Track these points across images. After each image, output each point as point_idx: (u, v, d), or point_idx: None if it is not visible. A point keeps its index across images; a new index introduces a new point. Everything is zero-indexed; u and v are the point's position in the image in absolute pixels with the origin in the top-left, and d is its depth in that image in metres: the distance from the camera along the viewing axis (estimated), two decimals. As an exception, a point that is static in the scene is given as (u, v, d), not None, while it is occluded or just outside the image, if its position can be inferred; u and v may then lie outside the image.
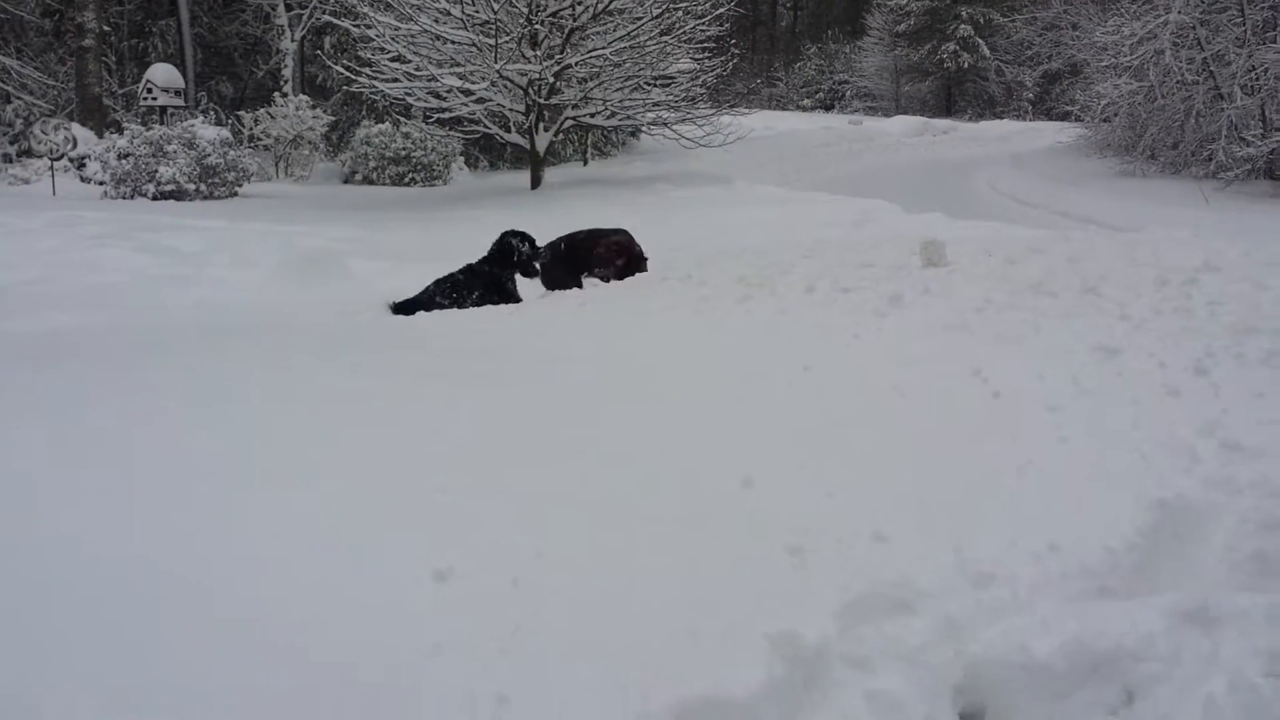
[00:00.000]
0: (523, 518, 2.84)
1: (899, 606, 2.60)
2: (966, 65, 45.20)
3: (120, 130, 17.24)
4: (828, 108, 49.21)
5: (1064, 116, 30.67)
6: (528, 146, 17.76)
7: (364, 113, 21.84)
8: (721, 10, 17.18)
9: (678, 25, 16.68)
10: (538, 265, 7.44)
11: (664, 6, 15.93)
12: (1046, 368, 4.07)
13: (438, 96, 17.05)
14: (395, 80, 16.54)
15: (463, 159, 21.54)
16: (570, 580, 2.54)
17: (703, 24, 17.14)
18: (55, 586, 2.38)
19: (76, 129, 17.80)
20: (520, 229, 7.55)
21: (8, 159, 18.89)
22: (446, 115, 17.70)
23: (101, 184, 15.95)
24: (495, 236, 7.50)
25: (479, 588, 2.47)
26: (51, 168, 16.53)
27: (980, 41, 44.85)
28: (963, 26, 44.87)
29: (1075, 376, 3.93)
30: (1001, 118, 41.43)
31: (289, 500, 2.88)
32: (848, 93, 49.78)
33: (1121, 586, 2.73)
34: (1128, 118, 21.47)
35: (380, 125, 20.01)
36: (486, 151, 23.27)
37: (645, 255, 7.46)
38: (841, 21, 57.38)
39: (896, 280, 5.38)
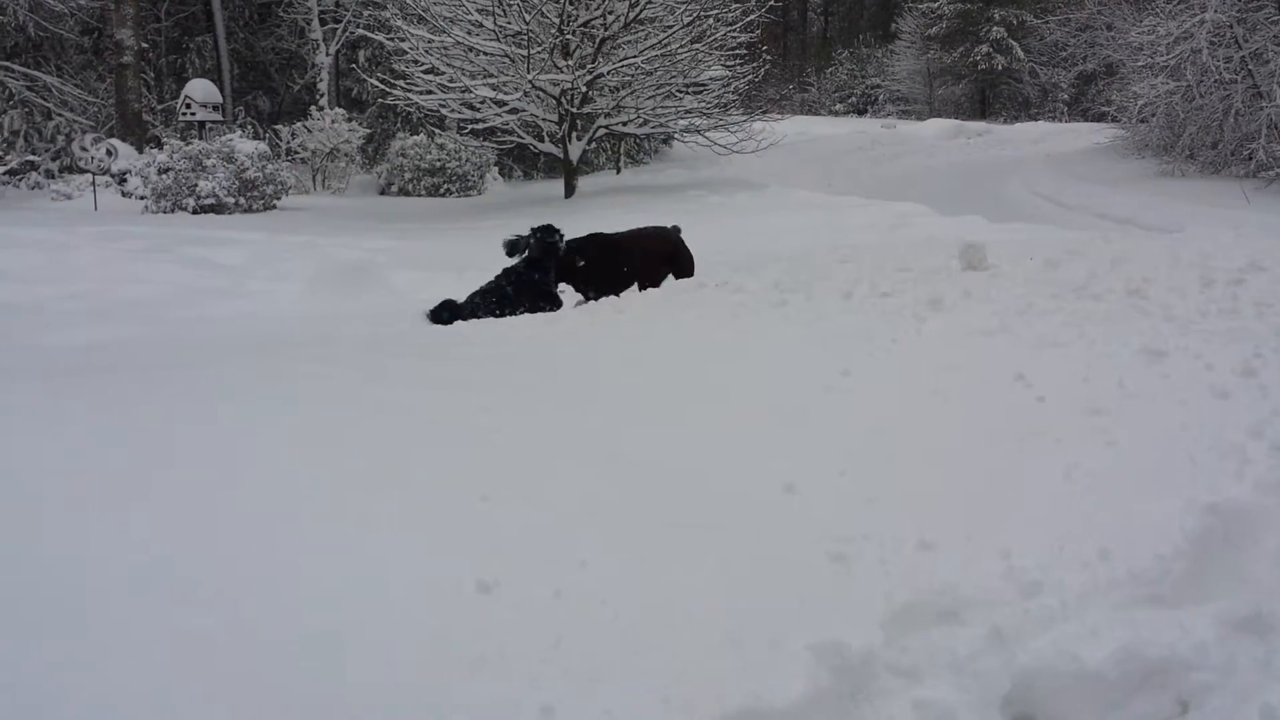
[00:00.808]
0: (564, 527, 2.84)
1: (946, 615, 2.57)
2: (1000, 67, 44.83)
3: (160, 145, 17.48)
4: (860, 112, 49.00)
5: (1100, 118, 30.34)
6: (561, 156, 17.82)
7: (399, 125, 22.01)
8: (752, 17, 17.17)
9: (709, 33, 16.68)
10: (581, 264, 7.20)
11: (695, 14, 15.94)
12: (1091, 371, 4.01)
13: (471, 108, 17.16)
14: (429, 92, 16.66)
15: (497, 169, 21.65)
16: (612, 590, 2.53)
17: (733, 31, 17.13)
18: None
19: (117, 144, 18.06)
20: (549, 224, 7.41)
21: (50, 175, 19.20)
22: (480, 126, 17.80)
23: (142, 199, 16.16)
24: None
25: (522, 598, 2.46)
26: (93, 183, 16.78)
27: (1014, 43, 44.47)
28: (995, 29, 44.51)
29: (1121, 380, 3.86)
30: (1037, 119, 41.03)
31: (328, 510, 2.88)
32: (880, 97, 49.55)
33: (1172, 594, 2.68)
34: (1165, 118, 21.19)
35: (415, 137, 20.16)
36: (520, 161, 23.38)
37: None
38: (873, 26, 57.17)
39: (936, 284, 5.33)
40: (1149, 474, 3.19)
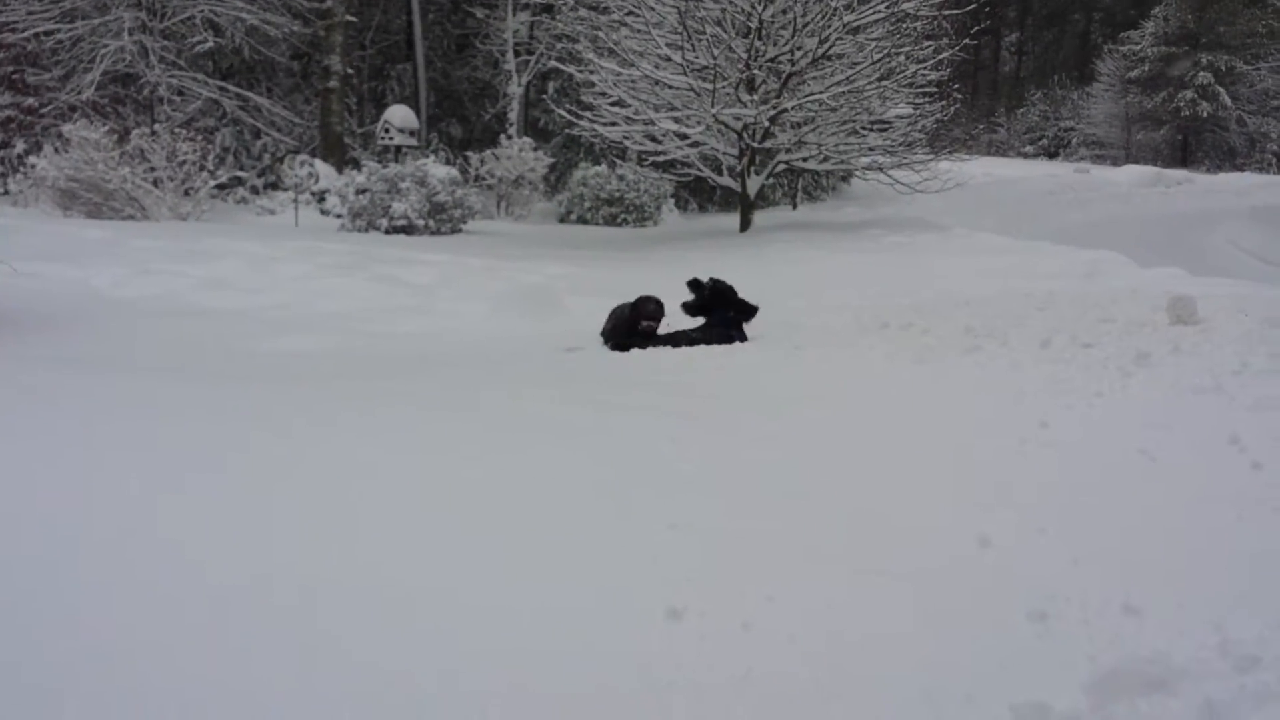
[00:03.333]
0: (751, 559, 2.81)
1: (1154, 684, 2.41)
2: (1205, 114, 42.69)
3: (358, 167, 18.35)
4: (1051, 155, 47.45)
5: (1315, 169, 28.52)
6: (738, 189, 17.85)
7: (581, 155, 22.54)
8: (944, 56, 16.83)
9: (898, 70, 16.43)
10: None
11: (885, 51, 15.74)
12: (1315, 439, 3.73)
13: (654, 140, 17.40)
14: (614, 124, 16.98)
15: (672, 200, 21.87)
16: (800, 629, 2.48)
17: (924, 68, 16.83)
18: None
19: (319, 165, 19.08)
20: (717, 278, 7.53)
21: (255, 190, 20.45)
22: (661, 158, 18.04)
23: (339, 217, 16.98)
24: (702, 277, 7.55)
25: (710, 628, 2.45)
26: (295, 200, 17.75)
27: (1221, 90, 42.34)
28: (1202, 74, 42.49)
29: (1350, 450, 3.59)
30: (1242, 170, 38.85)
31: (517, 532, 2.94)
32: (1073, 140, 47.87)
33: (1405, 682, 2.45)
34: (1391, 171, 19.74)
35: (596, 167, 20.59)
36: (696, 194, 23.56)
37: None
38: (1069, 67, 55.46)
39: (1141, 337, 5.08)
40: (1385, 554, 2.94)
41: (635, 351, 6.85)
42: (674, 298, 7.48)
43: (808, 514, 3.19)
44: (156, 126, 17.76)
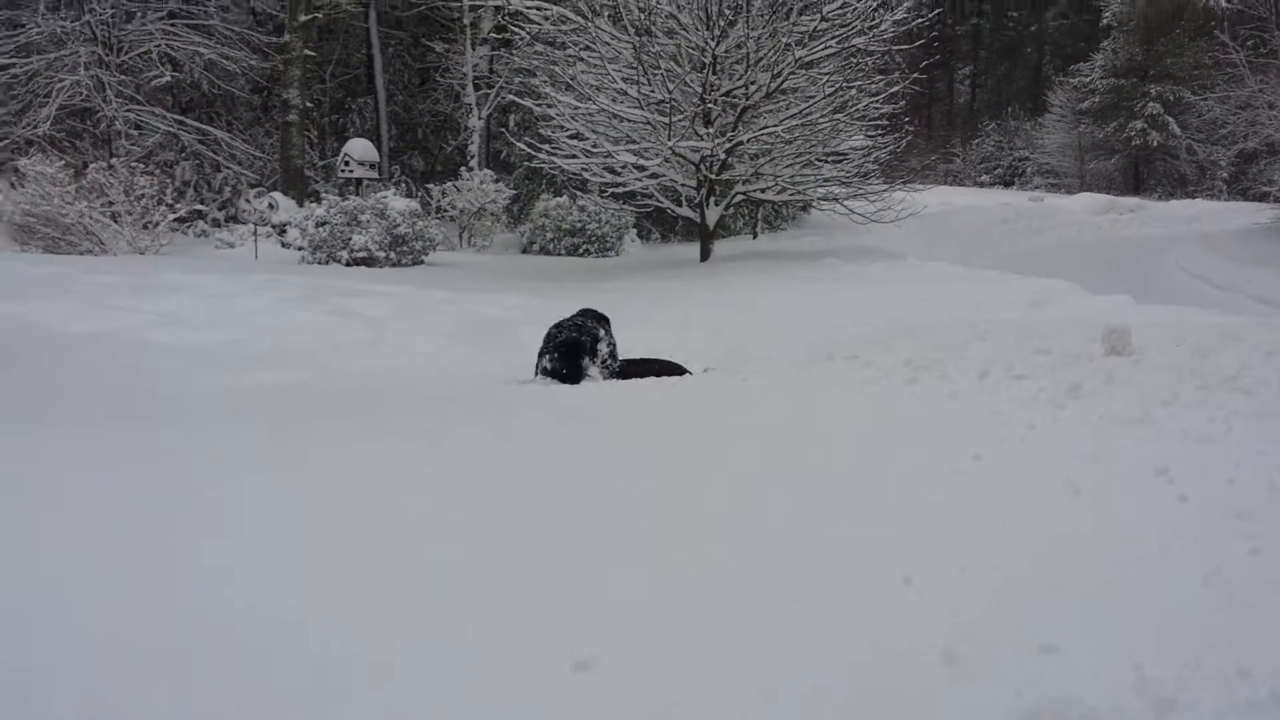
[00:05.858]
0: (669, 600, 2.82)
1: (1069, 725, 2.45)
2: (1155, 143, 43.52)
3: (319, 200, 18.31)
4: (1007, 184, 48.19)
5: (1261, 198, 29.15)
6: (698, 220, 17.99)
7: (543, 186, 22.62)
8: (896, 89, 17.08)
9: (851, 103, 16.66)
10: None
11: (837, 85, 15.96)
12: (1238, 471, 3.81)
13: (613, 172, 17.51)
14: (573, 156, 17.08)
15: (635, 231, 21.99)
16: (718, 669, 2.50)
17: (876, 101, 17.08)
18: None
19: (279, 198, 19.03)
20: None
21: (215, 223, 20.33)
22: (621, 190, 18.14)
23: (300, 250, 16.92)
24: (665, 308, 7.59)
25: (629, 665, 2.46)
26: (254, 233, 17.68)
27: (1170, 119, 43.19)
28: (1151, 104, 43.35)
29: (1272, 482, 3.66)
30: (1193, 197, 39.61)
31: (417, 575, 2.94)
32: (1028, 169, 48.65)
33: (1320, 720, 2.49)
34: (1333, 199, 20.21)
35: (558, 199, 20.68)
36: (658, 224, 23.69)
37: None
38: (1022, 98, 56.39)
39: (1076, 368, 5.17)
40: (1298, 586, 3.00)
41: (585, 384, 6.88)
42: (623, 331, 7.52)
43: (733, 546, 3.21)
44: (114, 160, 17.63)
